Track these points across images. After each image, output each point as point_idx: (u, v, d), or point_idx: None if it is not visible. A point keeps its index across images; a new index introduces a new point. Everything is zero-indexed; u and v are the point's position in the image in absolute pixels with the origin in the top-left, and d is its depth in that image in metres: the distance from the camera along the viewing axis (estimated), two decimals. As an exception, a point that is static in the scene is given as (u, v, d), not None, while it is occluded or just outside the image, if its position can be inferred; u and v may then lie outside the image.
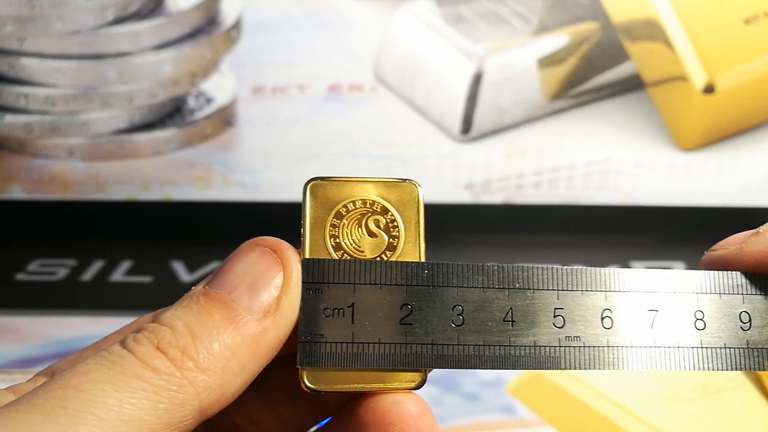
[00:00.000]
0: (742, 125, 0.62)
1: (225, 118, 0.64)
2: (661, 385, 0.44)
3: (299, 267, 0.20)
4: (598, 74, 0.62)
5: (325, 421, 0.22)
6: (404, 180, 0.21)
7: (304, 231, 0.21)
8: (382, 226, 0.21)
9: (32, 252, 0.64)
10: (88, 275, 0.60)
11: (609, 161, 0.64)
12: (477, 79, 0.60)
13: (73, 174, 0.65)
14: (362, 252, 0.20)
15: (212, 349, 0.18)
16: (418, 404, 0.20)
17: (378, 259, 0.20)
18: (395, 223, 0.21)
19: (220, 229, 0.65)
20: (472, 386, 0.44)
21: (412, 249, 0.21)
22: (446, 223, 0.67)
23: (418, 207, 0.21)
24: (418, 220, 0.21)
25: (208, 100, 0.64)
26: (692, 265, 0.67)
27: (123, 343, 0.18)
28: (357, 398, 0.20)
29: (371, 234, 0.21)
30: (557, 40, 0.61)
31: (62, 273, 0.61)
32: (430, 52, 0.61)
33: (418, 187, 0.21)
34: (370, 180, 0.21)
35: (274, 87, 0.63)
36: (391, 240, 0.21)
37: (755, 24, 0.58)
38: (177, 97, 0.63)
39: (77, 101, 0.62)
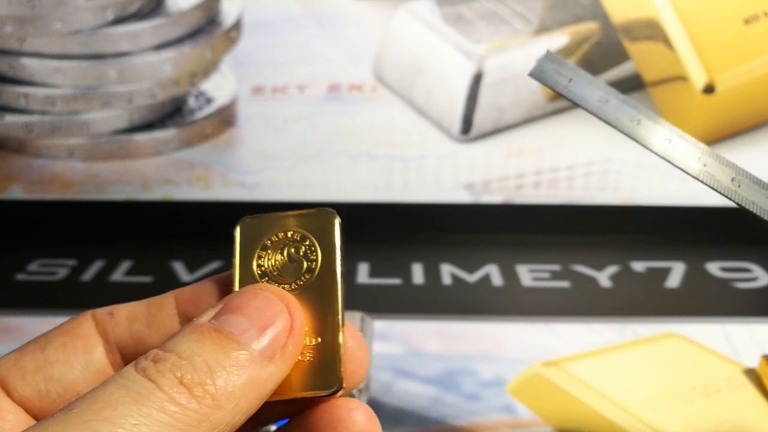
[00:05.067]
0: (742, 125, 0.62)
1: (225, 118, 0.64)
2: (661, 385, 0.44)
3: (303, 317, 0.21)
4: (598, 74, 0.62)
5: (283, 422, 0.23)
6: (322, 209, 0.23)
7: (235, 263, 0.23)
8: (301, 253, 0.23)
9: (32, 252, 0.64)
10: (88, 275, 0.60)
11: (609, 161, 0.64)
12: (477, 79, 0.60)
13: (73, 174, 0.65)
14: (283, 276, 0.22)
15: (228, 388, 0.19)
16: (365, 412, 0.22)
17: (298, 281, 0.22)
18: (313, 249, 0.23)
19: (220, 229, 0.65)
20: (472, 386, 0.44)
21: (329, 271, 0.22)
22: (446, 223, 0.67)
23: (335, 232, 0.23)
24: (334, 245, 0.23)
25: (208, 100, 0.64)
26: (692, 265, 0.67)
27: (145, 372, 0.19)
28: (314, 405, 0.22)
29: (292, 260, 0.22)
30: (557, 40, 0.61)
31: (62, 273, 0.61)
32: (430, 52, 0.61)
33: (334, 215, 0.23)
34: (293, 213, 0.23)
35: (274, 87, 0.63)
36: (309, 264, 0.22)
37: (755, 24, 0.58)
38: (177, 97, 0.64)
39: (77, 101, 0.62)
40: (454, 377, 0.45)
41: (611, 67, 0.62)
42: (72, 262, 0.62)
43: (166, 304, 0.23)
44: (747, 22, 0.58)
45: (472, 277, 0.59)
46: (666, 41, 0.59)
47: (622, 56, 0.61)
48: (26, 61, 0.61)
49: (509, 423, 0.41)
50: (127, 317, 0.23)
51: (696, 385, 0.44)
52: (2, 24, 0.61)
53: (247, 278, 0.22)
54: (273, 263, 0.22)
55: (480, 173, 0.64)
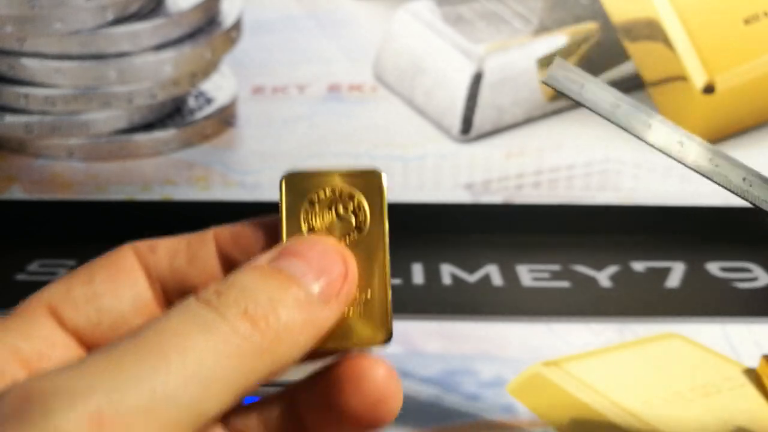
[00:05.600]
0: (742, 125, 0.62)
1: (225, 118, 0.64)
2: (661, 385, 0.44)
3: (356, 267, 0.22)
4: (598, 74, 0.62)
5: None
6: (370, 168, 0.24)
7: (281, 218, 0.23)
8: (349, 210, 0.23)
9: (32, 252, 0.64)
10: (88, 275, 0.60)
11: (609, 161, 0.64)
12: (477, 79, 0.60)
13: (73, 174, 0.65)
14: (332, 233, 0.23)
15: (289, 324, 0.20)
16: (386, 368, 0.22)
17: (347, 238, 0.23)
18: (361, 207, 0.23)
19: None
20: (472, 386, 0.44)
21: (377, 229, 0.23)
22: (446, 223, 0.67)
23: (382, 192, 0.23)
24: (382, 204, 0.23)
25: (208, 100, 0.64)
26: (692, 265, 0.67)
27: (209, 304, 0.19)
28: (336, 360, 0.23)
29: (340, 217, 0.23)
30: (557, 40, 0.61)
31: (62, 273, 0.61)
32: (430, 52, 0.61)
33: (382, 174, 0.23)
34: (339, 170, 0.23)
35: (274, 87, 0.63)
36: (357, 222, 0.23)
37: (755, 24, 0.58)
38: (177, 97, 0.64)
39: (77, 101, 0.62)
40: (454, 377, 0.45)
41: (611, 67, 0.62)
42: (72, 262, 0.62)
43: (206, 242, 0.24)
44: (747, 22, 0.58)
45: (472, 277, 0.59)
46: (666, 41, 0.59)
47: (622, 56, 0.61)
48: (26, 61, 0.61)
49: (509, 423, 0.41)
50: (167, 253, 0.24)
51: (696, 385, 0.44)
52: (2, 24, 0.61)
53: (295, 233, 0.23)
54: (322, 220, 0.23)
55: (480, 173, 0.64)
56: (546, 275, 0.60)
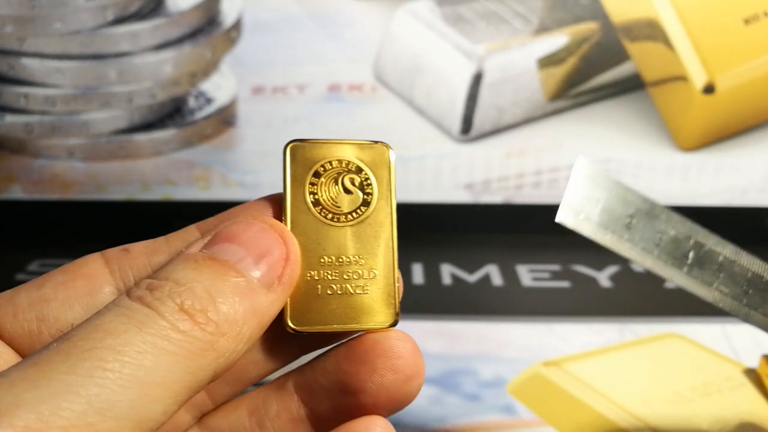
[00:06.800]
0: (742, 125, 0.62)
1: (225, 118, 0.64)
2: (661, 385, 0.44)
3: (298, 247, 0.21)
4: (598, 74, 0.62)
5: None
6: (377, 142, 0.23)
7: (285, 188, 0.22)
8: (356, 184, 0.22)
9: (32, 252, 0.64)
10: (88, 275, 0.60)
11: (609, 161, 0.64)
12: (477, 79, 0.60)
13: (73, 174, 0.65)
14: (339, 207, 0.22)
15: (230, 315, 0.18)
16: (411, 342, 0.22)
17: (354, 214, 0.22)
18: (369, 182, 0.22)
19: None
20: (472, 386, 0.44)
21: (385, 205, 0.22)
22: (446, 223, 0.67)
23: (389, 167, 0.22)
24: (390, 179, 0.22)
25: (208, 100, 0.64)
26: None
27: (142, 300, 0.18)
28: (355, 336, 0.22)
29: (347, 191, 0.22)
30: (557, 40, 0.61)
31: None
32: (430, 52, 0.61)
33: (390, 149, 0.23)
34: (346, 142, 0.23)
35: (274, 87, 0.63)
36: (365, 196, 0.22)
37: (755, 24, 0.58)
38: (177, 97, 0.63)
39: (77, 101, 0.62)
40: (454, 377, 0.45)
41: (611, 67, 0.62)
42: (72, 262, 0.62)
43: (188, 236, 0.23)
44: (747, 22, 0.58)
45: (472, 277, 0.59)
46: (666, 41, 0.59)
47: (622, 56, 0.61)
48: (26, 61, 0.61)
49: (509, 423, 0.41)
50: (144, 252, 0.22)
51: (696, 385, 0.44)
52: (2, 24, 0.61)
53: (300, 205, 0.22)
54: (327, 192, 0.22)
55: (480, 173, 0.64)
56: (546, 275, 0.60)
